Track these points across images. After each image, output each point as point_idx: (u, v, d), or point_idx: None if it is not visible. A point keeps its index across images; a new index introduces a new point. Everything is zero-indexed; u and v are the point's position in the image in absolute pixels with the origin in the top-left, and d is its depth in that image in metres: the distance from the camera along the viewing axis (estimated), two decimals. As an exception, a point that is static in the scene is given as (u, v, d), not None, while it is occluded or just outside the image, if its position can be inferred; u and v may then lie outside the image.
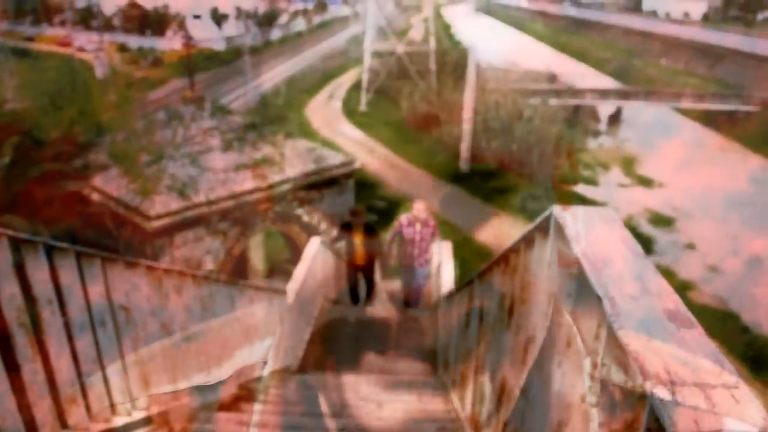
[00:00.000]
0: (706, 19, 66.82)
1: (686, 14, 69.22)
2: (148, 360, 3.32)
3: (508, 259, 2.55)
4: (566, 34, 68.69)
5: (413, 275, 8.84)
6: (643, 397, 1.16)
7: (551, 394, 1.74)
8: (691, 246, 23.11)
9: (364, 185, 23.10)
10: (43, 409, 2.47)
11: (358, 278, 9.26)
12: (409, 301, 9.27)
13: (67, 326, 2.66)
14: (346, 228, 8.80)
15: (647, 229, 24.41)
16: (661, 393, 1.05)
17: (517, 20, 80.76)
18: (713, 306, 18.29)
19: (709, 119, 37.36)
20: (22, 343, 2.38)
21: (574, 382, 1.56)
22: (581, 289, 1.56)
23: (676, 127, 37.66)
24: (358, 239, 8.66)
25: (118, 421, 2.99)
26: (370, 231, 8.77)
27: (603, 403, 1.37)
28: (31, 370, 2.42)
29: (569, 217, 1.75)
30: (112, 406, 3.00)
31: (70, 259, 2.70)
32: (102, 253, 2.94)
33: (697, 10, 68.79)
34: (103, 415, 2.90)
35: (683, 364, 1.12)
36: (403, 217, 8.52)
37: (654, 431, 1.09)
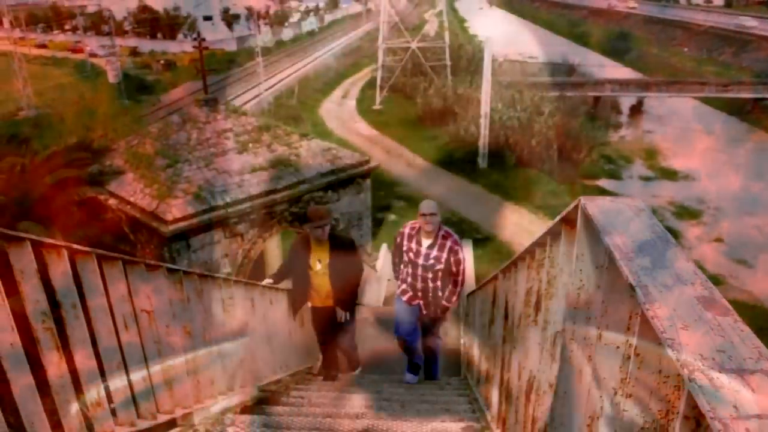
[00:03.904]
0: (729, 5, 65.81)
1: (708, 0, 68.19)
2: (171, 363, 3.32)
3: (534, 253, 2.52)
4: (584, 24, 68.11)
5: (414, 319, 5.61)
6: (679, 386, 1.13)
7: (582, 388, 1.71)
8: (718, 240, 22.75)
9: (381, 184, 23.10)
10: (69, 413, 2.48)
11: (326, 333, 5.79)
12: (413, 359, 5.99)
13: (91, 330, 2.68)
14: (301, 246, 5.41)
15: (673, 222, 24.07)
16: (699, 379, 1.03)
17: (532, 12, 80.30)
18: (743, 300, 17.98)
19: (734, 108, 36.75)
20: (48, 347, 2.40)
21: (606, 375, 1.54)
22: (611, 279, 1.53)
23: (700, 117, 37.08)
24: (320, 261, 5.28)
25: (143, 424, 3.00)
26: (342, 246, 5.33)
27: (637, 394, 1.35)
28: (57, 374, 2.43)
29: (597, 207, 1.72)
30: (137, 410, 3.01)
31: (92, 263, 2.71)
32: (123, 256, 2.95)
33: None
34: (128, 419, 2.91)
35: (720, 350, 1.10)
36: (409, 224, 5.44)
37: (691, 419, 1.07)
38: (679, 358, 1.08)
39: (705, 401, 0.98)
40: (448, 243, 5.17)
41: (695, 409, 1.02)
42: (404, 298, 5.54)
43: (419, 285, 5.36)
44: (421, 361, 6.00)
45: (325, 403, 4.86)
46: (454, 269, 5.22)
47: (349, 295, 5.46)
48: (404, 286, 5.52)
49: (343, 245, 5.34)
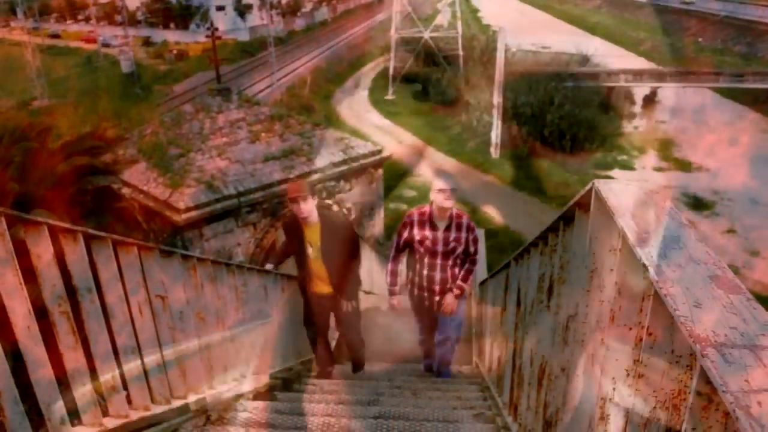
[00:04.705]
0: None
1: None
2: (185, 348, 3.36)
3: (547, 239, 2.52)
4: (598, 14, 67.48)
5: (433, 320, 5.11)
6: (691, 364, 1.14)
7: (595, 371, 1.72)
8: (732, 231, 22.57)
9: (394, 175, 23.08)
10: (85, 398, 2.51)
11: (323, 324, 5.33)
12: (431, 365, 5.75)
13: (106, 314, 2.70)
14: (292, 228, 4.85)
15: (686, 213, 23.87)
16: (711, 355, 1.04)
17: (545, 2, 79.59)
18: (757, 292, 17.83)
19: (749, 99, 36.29)
20: (64, 331, 2.42)
21: (619, 356, 1.54)
22: (624, 261, 1.54)
23: (714, 107, 36.65)
24: (311, 245, 4.74)
25: (157, 409, 3.03)
26: (334, 228, 4.77)
27: (650, 373, 1.36)
28: (73, 358, 2.46)
29: (611, 190, 1.72)
30: (151, 395, 3.04)
31: (107, 248, 2.74)
32: (138, 242, 2.98)
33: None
34: (142, 403, 2.95)
35: (732, 327, 1.11)
36: (414, 211, 4.84)
37: (704, 395, 1.08)
38: (692, 335, 1.08)
39: (717, 376, 0.98)
40: (464, 221, 4.70)
41: (708, 385, 1.03)
42: (417, 299, 5.00)
43: (438, 276, 4.77)
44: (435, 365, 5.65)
45: (337, 390, 4.90)
46: (472, 249, 4.75)
47: (348, 282, 4.91)
48: (416, 281, 4.92)
49: (335, 227, 4.77)
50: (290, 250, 5.05)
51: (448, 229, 4.66)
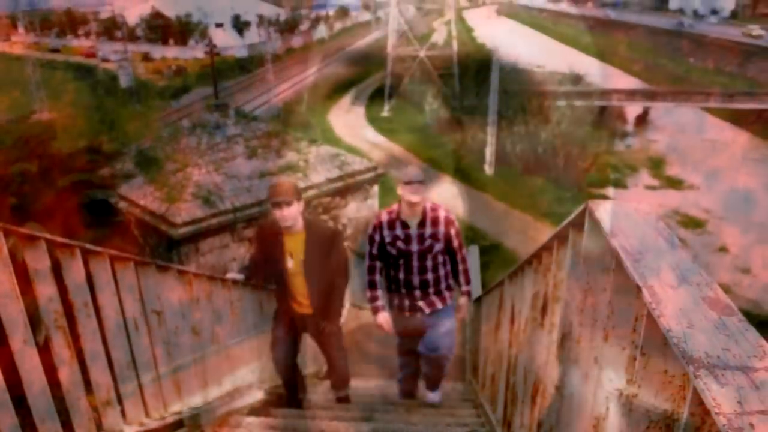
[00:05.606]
0: (735, 16, 65.70)
1: (714, 11, 68.04)
2: (180, 363, 3.35)
3: (541, 257, 2.54)
4: (590, 35, 68.15)
5: (416, 335, 4.32)
6: (684, 384, 1.16)
7: (588, 390, 1.73)
8: (723, 249, 22.67)
9: (389, 191, 23.12)
10: (79, 411, 2.51)
11: (295, 349, 4.53)
12: (411, 390, 5.04)
13: (102, 329, 2.71)
14: (270, 235, 4.07)
15: (678, 231, 23.98)
16: (704, 376, 1.05)
17: (540, 22, 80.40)
18: (747, 310, 17.88)
19: (739, 118, 36.67)
20: (60, 344, 2.42)
21: (613, 376, 1.56)
22: (618, 281, 1.56)
23: (705, 127, 37.03)
24: (292, 257, 4.05)
25: (151, 424, 3.02)
26: (321, 239, 4.06)
27: (643, 393, 1.37)
28: (68, 372, 2.46)
29: (604, 211, 1.75)
30: (146, 409, 3.03)
31: (104, 263, 2.75)
32: (135, 257, 2.99)
33: (726, 8, 67.58)
34: (136, 418, 2.94)
35: (725, 348, 1.13)
36: (383, 212, 4.24)
37: (697, 416, 1.10)
38: (685, 356, 1.10)
39: (710, 398, 1.00)
40: (441, 214, 4.09)
41: (700, 407, 1.04)
42: (396, 311, 4.32)
43: (416, 280, 4.13)
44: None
45: (331, 406, 4.88)
46: (455, 243, 4.13)
47: (332, 302, 4.23)
48: (393, 290, 4.28)
49: (322, 237, 4.07)
50: (262, 261, 4.28)
51: (422, 225, 4.06)
